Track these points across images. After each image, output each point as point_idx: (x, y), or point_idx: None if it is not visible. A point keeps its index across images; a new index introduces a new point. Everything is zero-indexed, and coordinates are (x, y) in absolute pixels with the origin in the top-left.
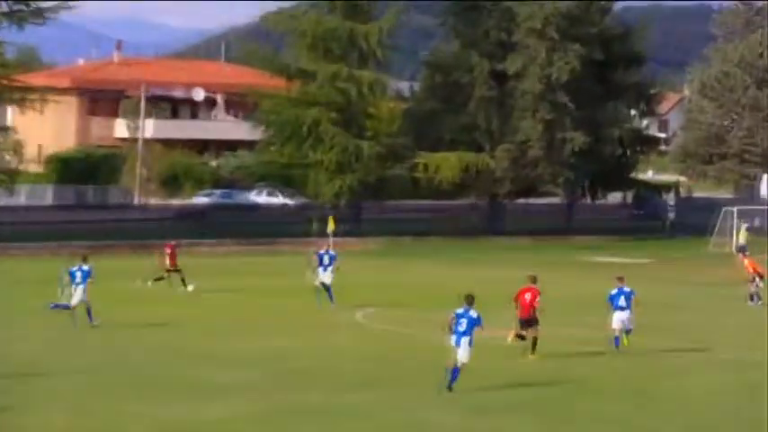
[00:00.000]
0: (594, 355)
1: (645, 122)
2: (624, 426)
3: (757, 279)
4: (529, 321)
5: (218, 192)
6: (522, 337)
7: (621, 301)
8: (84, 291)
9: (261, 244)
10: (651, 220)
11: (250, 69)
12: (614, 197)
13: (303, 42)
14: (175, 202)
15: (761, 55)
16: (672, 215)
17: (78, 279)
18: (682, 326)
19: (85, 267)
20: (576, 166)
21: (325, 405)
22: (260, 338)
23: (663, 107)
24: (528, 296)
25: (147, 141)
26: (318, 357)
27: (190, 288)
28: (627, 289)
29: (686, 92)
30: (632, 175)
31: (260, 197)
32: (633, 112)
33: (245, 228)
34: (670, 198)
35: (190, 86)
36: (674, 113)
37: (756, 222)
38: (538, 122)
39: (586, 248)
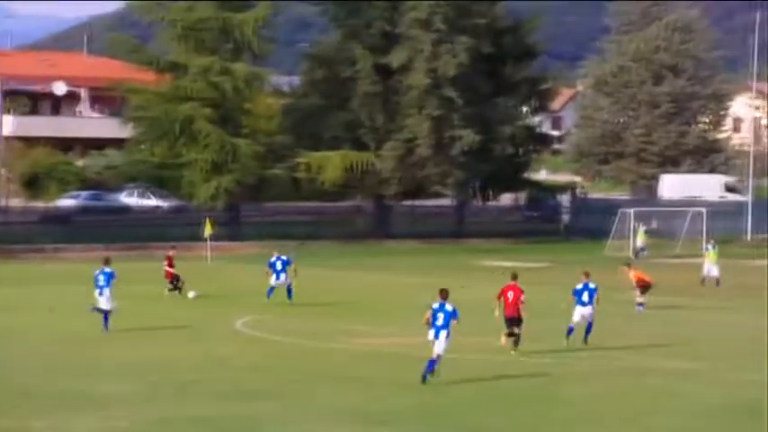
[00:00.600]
0: (496, 363)
1: (537, 119)
2: None
3: (641, 290)
4: (514, 320)
5: (84, 193)
6: (513, 335)
7: (585, 297)
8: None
9: (133, 249)
10: (546, 223)
11: (116, 62)
12: (507, 198)
13: (173, 32)
14: (39, 204)
15: (658, 48)
16: (567, 217)
17: (101, 282)
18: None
19: (108, 270)
20: (466, 166)
21: (210, 417)
22: (139, 348)
23: (556, 103)
24: (511, 294)
25: (6, 139)
26: (200, 368)
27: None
28: (592, 285)
29: (580, 87)
30: (525, 175)
31: (131, 199)
32: (525, 108)
33: (116, 232)
34: (565, 199)
35: (50, 80)
36: (568, 110)
37: (654, 224)
38: (425, 119)
39: (479, 252)
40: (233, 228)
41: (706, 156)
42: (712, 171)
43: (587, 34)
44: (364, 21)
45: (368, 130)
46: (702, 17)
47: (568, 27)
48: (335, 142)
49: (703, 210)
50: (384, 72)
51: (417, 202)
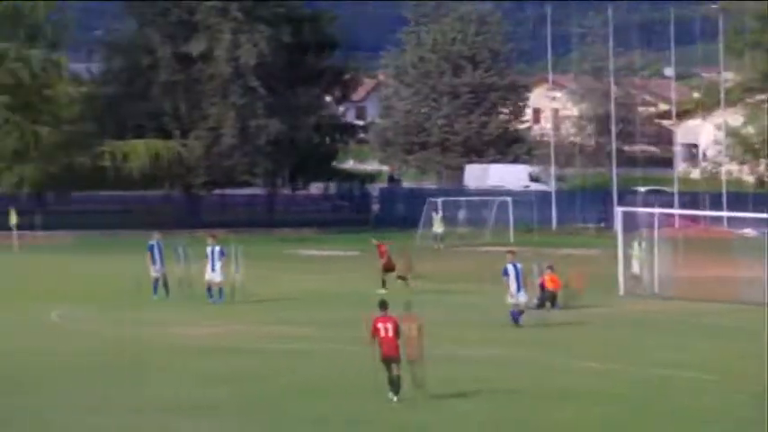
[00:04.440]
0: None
1: (341, 109)
2: None
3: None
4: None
5: None
6: None
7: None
8: None
9: None
10: (356, 212)
11: None
12: (317, 188)
13: None
14: None
15: (454, 40)
16: (377, 206)
17: None
18: None
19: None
20: (272, 155)
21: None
22: None
23: (359, 93)
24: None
25: None
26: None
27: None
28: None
29: (382, 77)
30: (334, 164)
31: None
32: (329, 98)
33: None
34: (374, 188)
35: None
36: (372, 100)
37: (461, 214)
38: (229, 108)
39: (289, 241)
40: (39, 217)
41: (509, 146)
42: (515, 161)
43: (386, 25)
44: (160, 8)
45: (171, 119)
46: (495, 10)
47: (367, 17)
48: (140, 130)
49: (509, 199)
50: (185, 61)
51: (228, 191)
